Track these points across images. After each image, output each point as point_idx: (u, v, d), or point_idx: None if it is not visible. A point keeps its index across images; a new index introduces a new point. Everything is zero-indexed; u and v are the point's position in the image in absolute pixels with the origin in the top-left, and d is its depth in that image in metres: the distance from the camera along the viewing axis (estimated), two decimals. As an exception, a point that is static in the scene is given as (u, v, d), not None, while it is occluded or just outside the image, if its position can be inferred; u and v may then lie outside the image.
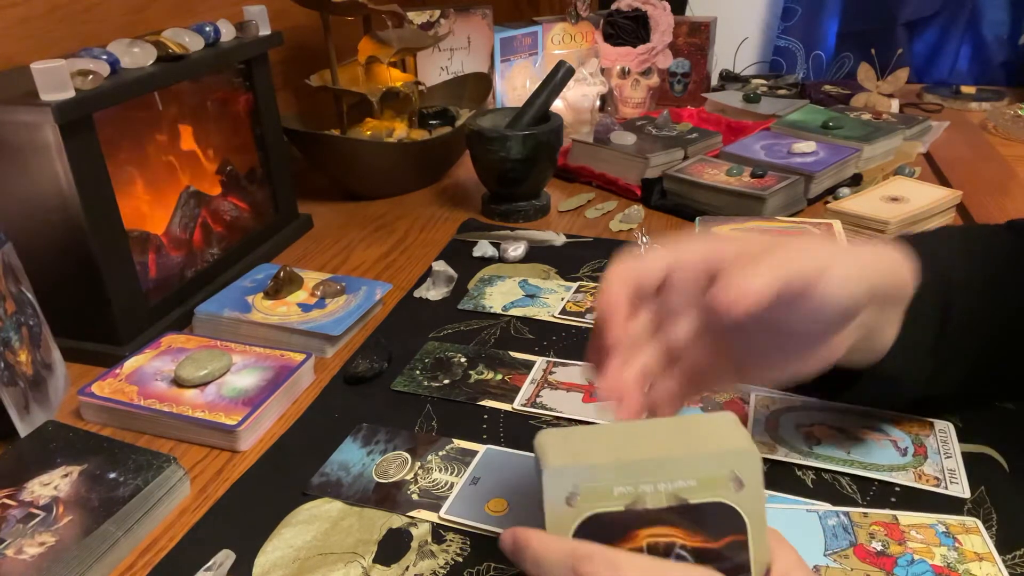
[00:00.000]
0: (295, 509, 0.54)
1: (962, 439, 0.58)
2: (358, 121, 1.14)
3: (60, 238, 0.68)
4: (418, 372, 0.69)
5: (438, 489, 0.55)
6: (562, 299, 0.80)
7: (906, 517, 0.51)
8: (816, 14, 1.72)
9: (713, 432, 0.38)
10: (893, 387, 0.53)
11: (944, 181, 1.08)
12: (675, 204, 1.02)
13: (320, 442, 0.61)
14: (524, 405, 0.64)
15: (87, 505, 0.52)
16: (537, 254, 0.92)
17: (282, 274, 0.78)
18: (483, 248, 0.91)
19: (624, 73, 1.44)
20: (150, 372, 0.67)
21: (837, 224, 0.87)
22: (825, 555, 0.48)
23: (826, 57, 1.75)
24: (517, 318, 0.78)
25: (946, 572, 0.47)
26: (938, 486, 0.53)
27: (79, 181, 0.66)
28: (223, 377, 0.66)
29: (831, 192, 1.04)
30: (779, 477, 0.55)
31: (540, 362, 0.70)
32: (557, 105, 1.27)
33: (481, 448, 0.59)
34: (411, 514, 0.53)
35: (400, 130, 1.13)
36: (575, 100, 1.34)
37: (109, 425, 0.64)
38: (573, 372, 0.68)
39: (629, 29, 1.46)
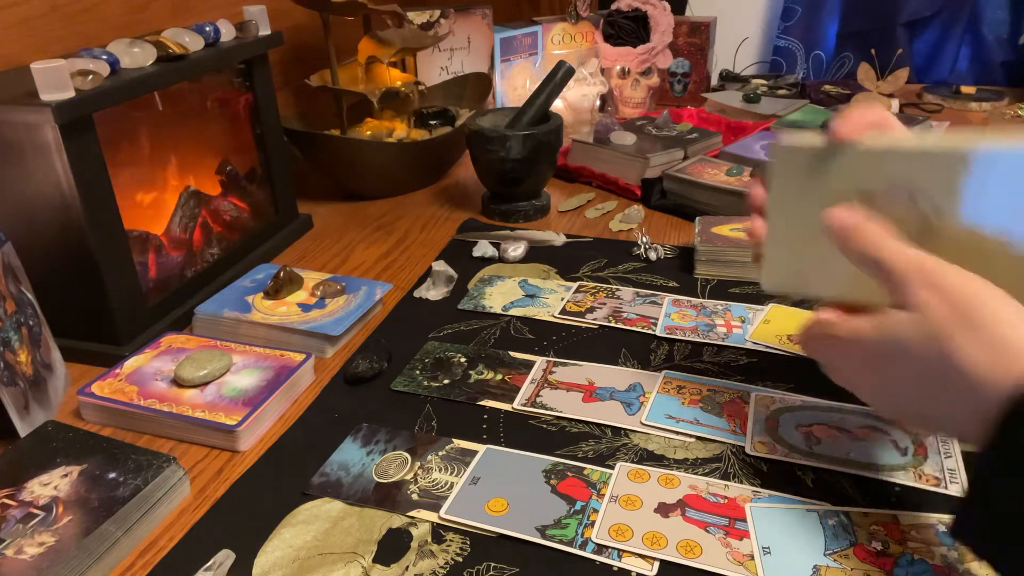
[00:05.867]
0: (295, 509, 0.54)
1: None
2: (358, 121, 1.14)
3: (60, 238, 0.68)
4: (418, 372, 0.69)
5: (438, 489, 0.55)
6: (562, 299, 0.80)
7: (906, 517, 0.51)
8: (816, 14, 1.72)
9: None
10: None
11: (944, 181, 1.07)
12: (675, 204, 1.02)
13: (320, 442, 0.61)
14: (524, 405, 0.64)
15: (87, 505, 0.52)
16: (537, 254, 0.92)
17: (282, 274, 0.78)
18: (483, 248, 0.91)
19: (624, 73, 1.44)
20: (150, 372, 0.67)
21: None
22: (825, 555, 0.48)
23: (826, 57, 1.75)
24: (517, 318, 0.78)
25: (946, 572, 0.47)
26: (938, 486, 0.53)
27: (79, 181, 0.66)
28: (223, 377, 0.66)
29: (831, 192, 1.03)
30: (779, 477, 0.55)
31: (540, 362, 0.70)
32: (557, 105, 1.27)
33: (481, 448, 0.59)
34: (411, 514, 0.53)
35: (400, 130, 1.14)
36: (575, 100, 1.34)
37: (109, 425, 0.64)
38: (573, 372, 0.68)
39: (629, 29, 1.46)
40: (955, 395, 0.41)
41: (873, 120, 0.50)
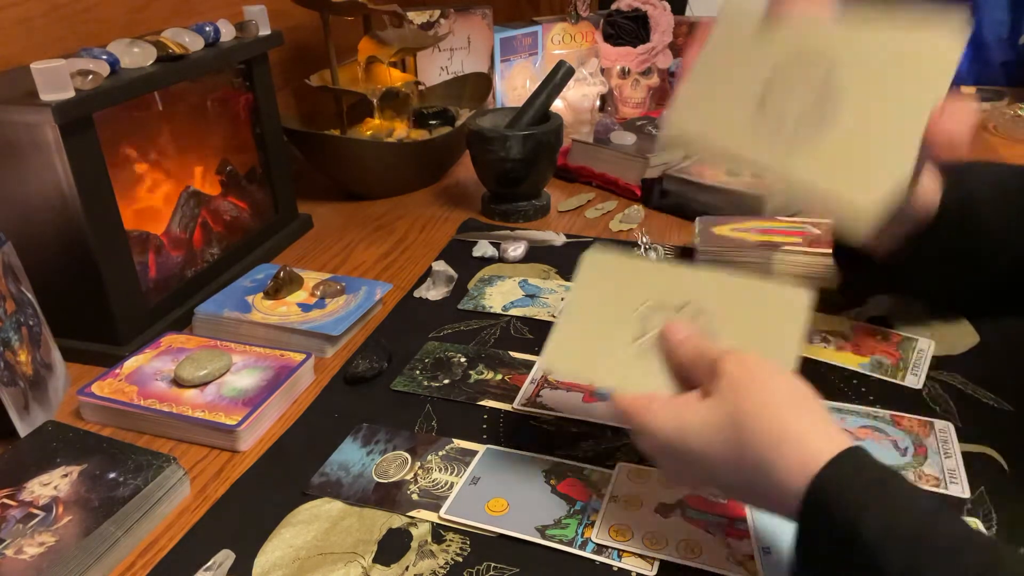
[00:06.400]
0: (295, 509, 0.54)
1: (962, 439, 0.58)
2: (358, 121, 1.14)
3: (60, 238, 0.68)
4: (418, 372, 0.69)
5: (438, 489, 0.55)
6: (562, 299, 0.80)
7: (906, 517, 0.51)
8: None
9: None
10: None
11: (944, 181, 1.07)
12: (675, 204, 1.02)
13: (320, 442, 0.61)
14: (524, 405, 0.64)
15: (87, 505, 0.52)
16: (537, 254, 0.92)
17: (282, 274, 0.78)
18: (483, 248, 0.91)
19: (624, 73, 1.44)
20: (150, 372, 0.67)
21: (837, 224, 0.87)
22: (825, 555, 0.48)
23: (826, 57, 1.75)
24: (517, 318, 0.78)
25: (946, 572, 0.47)
26: (938, 486, 0.53)
27: (79, 181, 0.66)
28: (223, 377, 0.66)
29: (831, 192, 1.03)
30: (779, 477, 0.55)
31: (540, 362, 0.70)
32: (557, 105, 1.27)
33: (481, 448, 0.59)
34: (411, 514, 0.53)
35: (400, 130, 1.14)
36: (575, 100, 1.34)
37: (109, 425, 0.64)
38: (573, 372, 0.68)
39: (629, 29, 1.46)
40: (763, 489, 0.42)
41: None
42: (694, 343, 0.49)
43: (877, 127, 0.48)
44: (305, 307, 0.77)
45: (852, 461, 0.40)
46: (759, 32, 0.55)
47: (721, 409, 0.44)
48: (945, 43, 0.48)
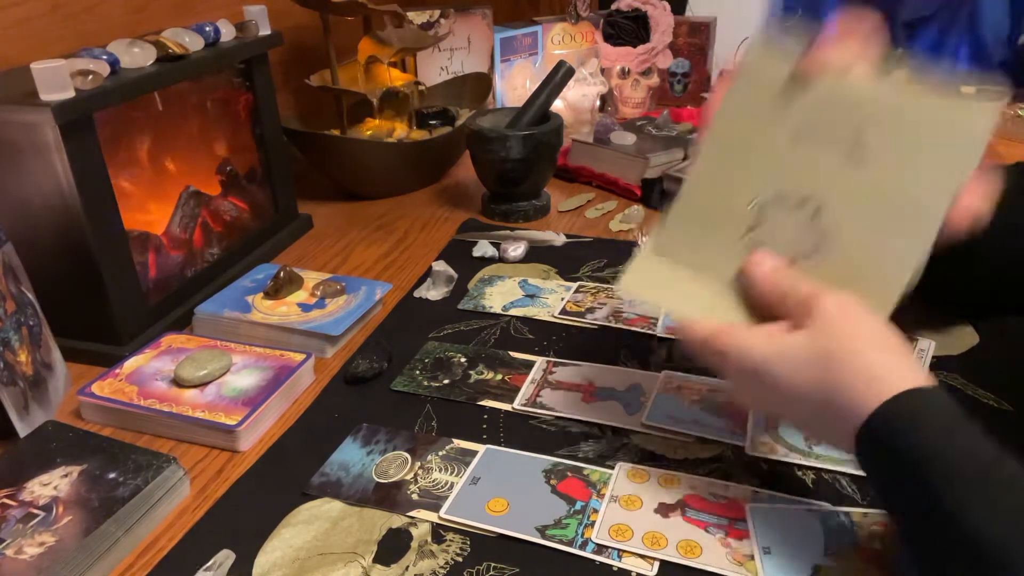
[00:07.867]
0: (295, 509, 0.54)
1: (962, 439, 0.58)
2: (358, 121, 1.14)
3: (60, 238, 0.68)
4: (418, 372, 0.69)
5: (438, 489, 0.55)
6: (562, 299, 0.80)
7: (906, 517, 0.51)
8: (816, 14, 1.72)
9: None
10: None
11: (944, 181, 1.07)
12: (675, 204, 1.02)
13: (320, 442, 0.61)
14: (524, 405, 0.64)
15: (87, 505, 0.52)
16: (537, 254, 0.92)
17: (282, 274, 0.78)
18: (483, 248, 0.91)
19: (624, 73, 1.44)
20: (150, 372, 0.67)
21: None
22: (825, 555, 0.48)
23: (826, 57, 1.75)
24: (517, 318, 0.78)
25: (946, 572, 0.47)
26: (938, 486, 0.53)
27: (79, 181, 0.66)
28: (223, 377, 0.66)
29: (831, 192, 1.03)
30: (779, 477, 0.55)
31: (540, 362, 0.70)
32: (557, 105, 1.27)
33: (481, 448, 0.59)
34: (411, 514, 0.53)
35: (400, 130, 1.14)
36: (575, 100, 1.34)
37: (109, 425, 0.64)
38: (573, 372, 0.68)
39: (629, 29, 1.46)
40: (832, 412, 0.44)
41: (841, 55, 0.49)
42: (780, 281, 0.48)
43: (893, 219, 0.46)
44: (305, 307, 0.77)
45: (923, 397, 0.42)
46: (781, 96, 0.51)
47: (815, 345, 0.44)
48: (981, 116, 0.45)
